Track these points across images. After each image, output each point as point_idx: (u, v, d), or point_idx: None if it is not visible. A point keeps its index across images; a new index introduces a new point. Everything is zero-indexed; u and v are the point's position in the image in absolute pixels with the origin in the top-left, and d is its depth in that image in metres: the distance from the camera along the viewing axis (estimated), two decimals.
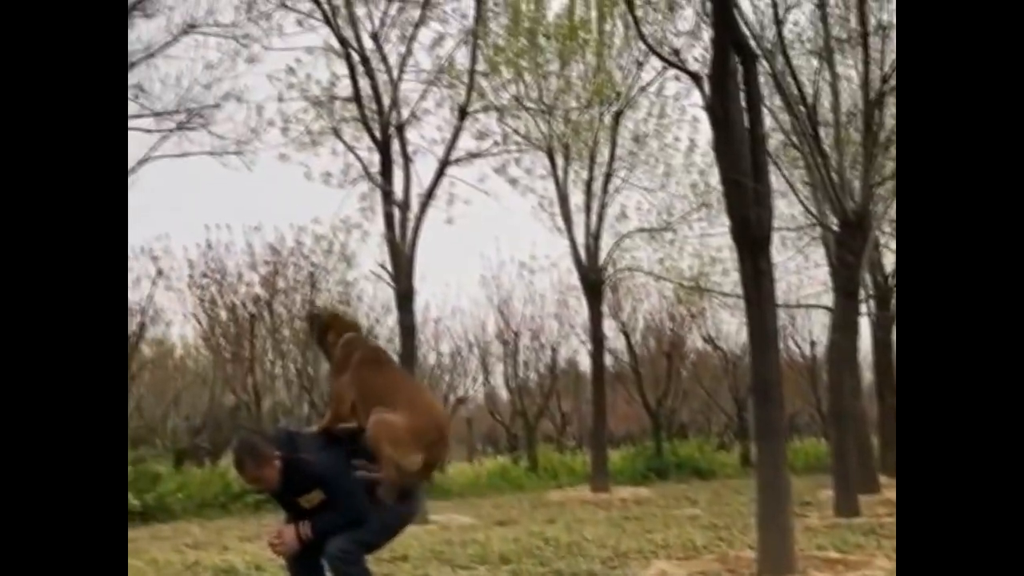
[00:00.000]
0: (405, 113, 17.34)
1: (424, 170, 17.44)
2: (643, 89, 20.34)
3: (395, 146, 17.00)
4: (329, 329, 5.62)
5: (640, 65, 19.83)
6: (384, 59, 17.06)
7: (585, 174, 20.76)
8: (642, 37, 13.42)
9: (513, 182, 19.50)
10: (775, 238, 10.30)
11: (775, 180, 14.29)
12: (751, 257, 9.10)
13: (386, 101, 16.92)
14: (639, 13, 14.39)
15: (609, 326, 25.73)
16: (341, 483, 5.07)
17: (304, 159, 17.10)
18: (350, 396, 5.34)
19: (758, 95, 9.60)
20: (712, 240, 21.10)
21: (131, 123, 15.74)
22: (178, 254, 23.26)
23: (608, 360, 26.08)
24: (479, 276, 29.09)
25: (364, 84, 16.75)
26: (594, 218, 20.81)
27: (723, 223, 19.88)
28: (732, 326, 29.06)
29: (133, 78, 15.55)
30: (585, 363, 28.58)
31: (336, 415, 5.40)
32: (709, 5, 10.83)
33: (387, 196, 16.77)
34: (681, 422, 34.89)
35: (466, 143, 18.05)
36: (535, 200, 20.92)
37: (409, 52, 17.26)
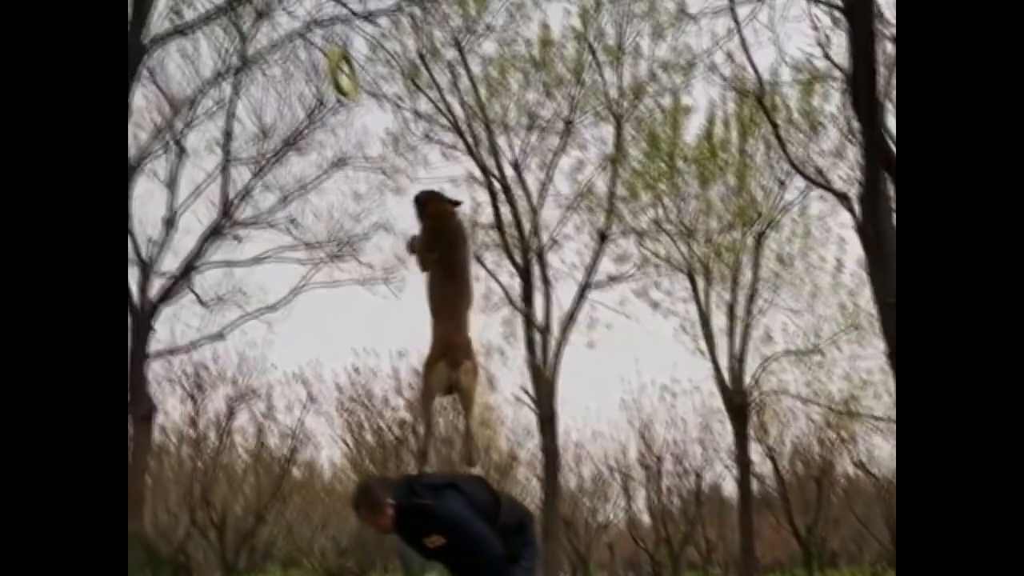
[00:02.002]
0: (545, 238, 17.60)
1: (565, 294, 17.60)
2: (786, 209, 20.07)
3: (536, 271, 17.20)
4: (427, 205, 5.88)
5: (783, 185, 19.60)
6: (524, 186, 17.44)
7: (728, 296, 20.47)
8: (787, 158, 13.31)
9: (654, 305, 19.45)
10: None
11: None
12: None
13: (527, 227, 17.21)
14: (781, 133, 14.35)
15: (755, 450, 25.00)
16: (459, 525, 5.04)
17: None
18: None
19: None
20: (862, 363, 20.43)
21: (285, 254, 16.48)
22: (328, 379, 23.79)
23: (754, 485, 25.26)
24: (619, 399, 28.77)
25: (505, 211, 17.11)
26: (738, 340, 20.43)
27: (874, 345, 19.43)
28: (885, 451, 27.83)
29: (287, 212, 16.32)
30: (730, 488, 27.82)
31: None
32: (855, 124, 10.71)
33: (528, 321, 16.90)
34: (832, 550, 33.37)
35: (606, 267, 18.20)
36: (676, 322, 20.68)
37: (549, 179, 17.65)
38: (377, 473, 23.62)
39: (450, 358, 5.49)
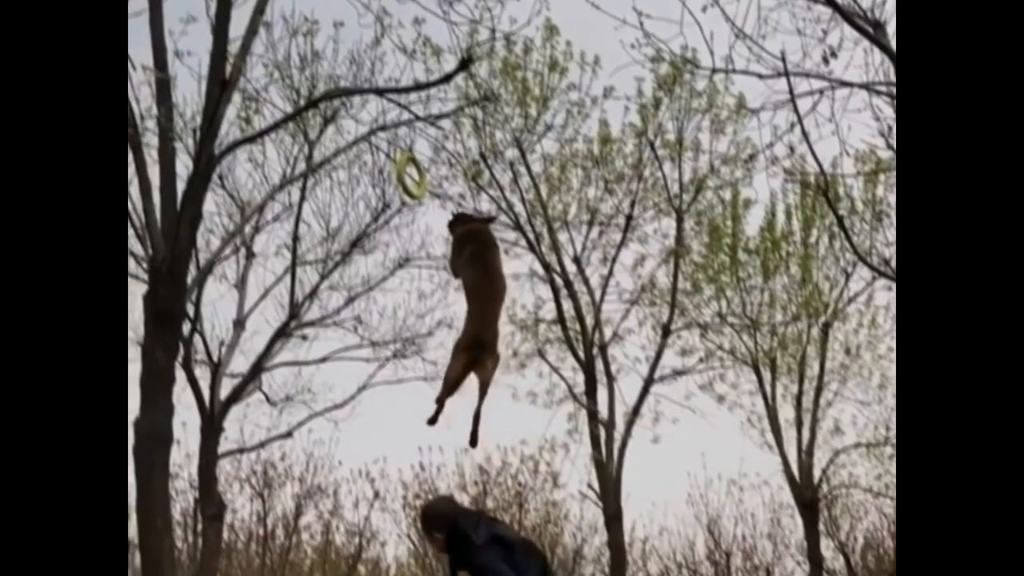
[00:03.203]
0: (608, 333, 17.63)
1: (629, 389, 17.50)
2: (852, 300, 19.83)
3: (599, 365, 17.19)
4: (458, 221, 6.33)
5: (848, 275, 19.38)
6: (586, 281, 17.52)
7: (795, 388, 20.15)
8: (852, 248, 13.27)
9: (720, 398, 19.24)
10: None
11: None
12: None
13: (589, 322, 17.25)
14: (845, 223, 14.31)
15: (826, 545, 24.34)
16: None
17: (511, 381, 17.48)
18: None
19: None
20: None
21: (351, 353, 16.68)
22: (393, 476, 23.77)
23: None
24: (686, 494, 28.25)
25: (567, 306, 17.16)
26: (806, 433, 20.03)
27: None
28: None
29: (353, 311, 16.56)
30: None
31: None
32: None
33: (592, 416, 16.84)
34: None
35: (670, 360, 18.11)
36: (743, 416, 20.35)
37: (611, 273, 17.72)
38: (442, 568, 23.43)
39: (476, 354, 5.85)
